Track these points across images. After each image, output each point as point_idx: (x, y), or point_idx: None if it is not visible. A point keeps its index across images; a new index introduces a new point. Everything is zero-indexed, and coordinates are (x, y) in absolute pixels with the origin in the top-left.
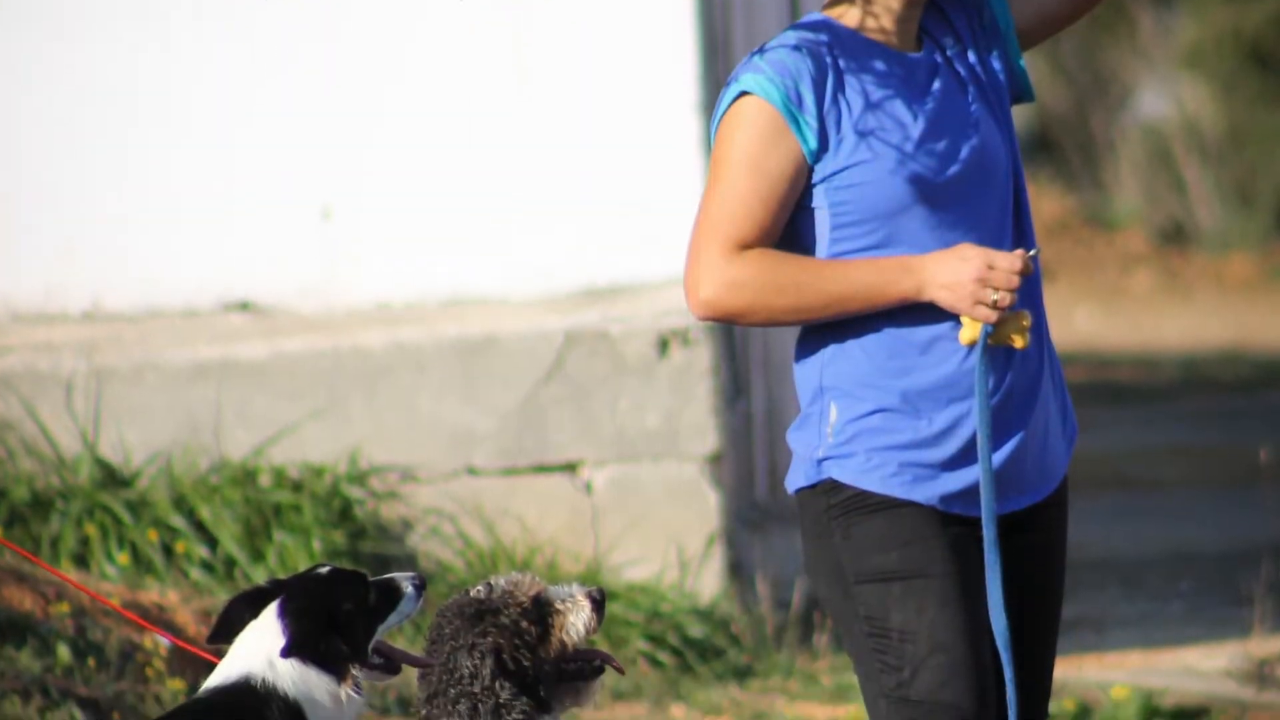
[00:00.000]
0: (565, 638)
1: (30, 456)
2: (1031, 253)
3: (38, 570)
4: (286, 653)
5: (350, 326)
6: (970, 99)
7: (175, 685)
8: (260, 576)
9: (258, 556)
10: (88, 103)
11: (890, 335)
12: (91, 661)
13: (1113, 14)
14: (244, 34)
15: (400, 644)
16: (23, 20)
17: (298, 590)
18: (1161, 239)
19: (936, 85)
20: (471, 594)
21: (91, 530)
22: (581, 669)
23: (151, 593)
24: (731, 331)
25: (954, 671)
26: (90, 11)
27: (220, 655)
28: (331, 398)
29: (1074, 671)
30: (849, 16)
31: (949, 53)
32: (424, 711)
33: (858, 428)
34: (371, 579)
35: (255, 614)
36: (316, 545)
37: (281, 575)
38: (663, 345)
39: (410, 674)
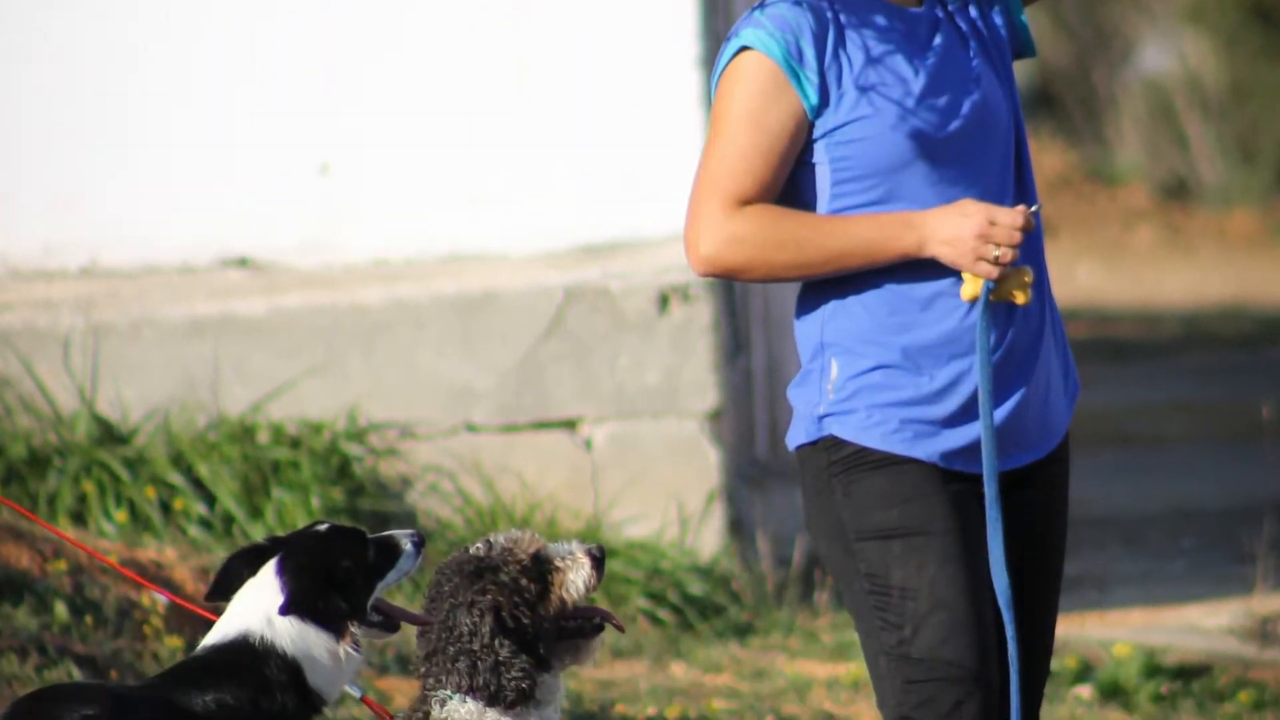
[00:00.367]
0: (565, 595)
1: (28, 413)
2: (1033, 208)
3: (35, 528)
4: (285, 610)
5: (349, 283)
6: (971, 54)
7: (173, 643)
8: (258, 534)
9: (256, 514)
10: (86, 59)
11: (891, 291)
12: (89, 619)
13: None
14: None
15: (399, 601)
16: None
17: (296, 547)
18: (1163, 194)
19: (938, 40)
20: (471, 551)
21: (89, 487)
22: (581, 627)
23: (149, 550)
24: (732, 288)
25: (955, 629)
26: None
27: (218, 613)
28: (330, 354)
29: (1076, 629)
30: None
31: (950, 7)
32: (423, 669)
33: (859, 384)
34: (370, 536)
35: (253, 571)
36: (315, 502)
37: (280, 532)
38: (663, 301)
39: (409, 632)
